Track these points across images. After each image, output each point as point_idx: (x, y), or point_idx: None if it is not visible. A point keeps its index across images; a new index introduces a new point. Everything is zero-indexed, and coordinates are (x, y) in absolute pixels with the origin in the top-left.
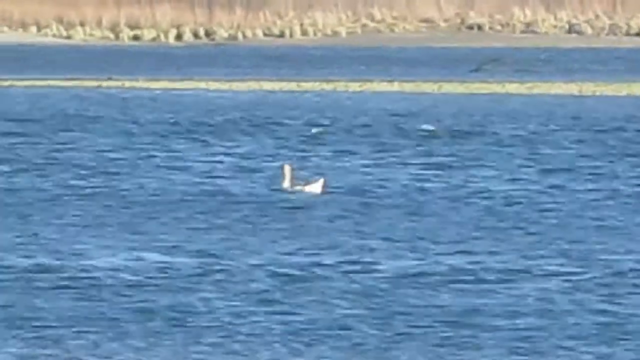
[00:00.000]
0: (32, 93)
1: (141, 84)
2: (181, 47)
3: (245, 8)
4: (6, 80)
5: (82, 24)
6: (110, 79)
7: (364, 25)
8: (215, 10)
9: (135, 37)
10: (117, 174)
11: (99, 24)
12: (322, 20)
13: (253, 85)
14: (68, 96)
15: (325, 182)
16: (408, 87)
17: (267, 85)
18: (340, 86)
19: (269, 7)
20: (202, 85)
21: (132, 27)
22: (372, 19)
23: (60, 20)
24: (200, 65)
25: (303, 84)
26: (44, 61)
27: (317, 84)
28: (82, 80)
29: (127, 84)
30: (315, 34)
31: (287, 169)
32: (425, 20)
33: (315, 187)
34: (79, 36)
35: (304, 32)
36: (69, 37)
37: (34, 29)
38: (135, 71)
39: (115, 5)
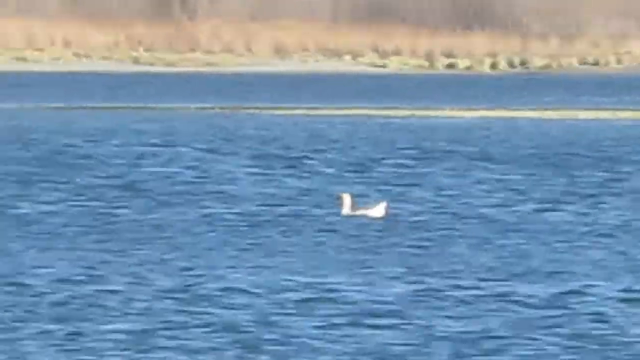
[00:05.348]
0: (348, 122)
1: (454, 112)
2: (495, 76)
3: (560, 37)
4: (322, 109)
5: (396, 53)
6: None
7: None
8: (530, 40)
9: (450, 66)
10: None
11: (413, 53)
12: (637, 49)
13: (567, 114)
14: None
15: (387, 206)
16: None
17: (583, 115)
18: None
19: (584, 36)
20: (516, 114)
21: (447, 56)
22: None
23: (375, 49)
24: (514, 94)
25: (619, 112)
26: (359, 90)
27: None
28: (397, 109)
29: (439, 112)
30: (630, 63)
31: (346, 197)
32: None
33: (377, 212)
34: (393, 65)
35: (619, 61)
36: (383, 66)
37: (348, 57)
38: (448, 100)
39: (430, 35)
